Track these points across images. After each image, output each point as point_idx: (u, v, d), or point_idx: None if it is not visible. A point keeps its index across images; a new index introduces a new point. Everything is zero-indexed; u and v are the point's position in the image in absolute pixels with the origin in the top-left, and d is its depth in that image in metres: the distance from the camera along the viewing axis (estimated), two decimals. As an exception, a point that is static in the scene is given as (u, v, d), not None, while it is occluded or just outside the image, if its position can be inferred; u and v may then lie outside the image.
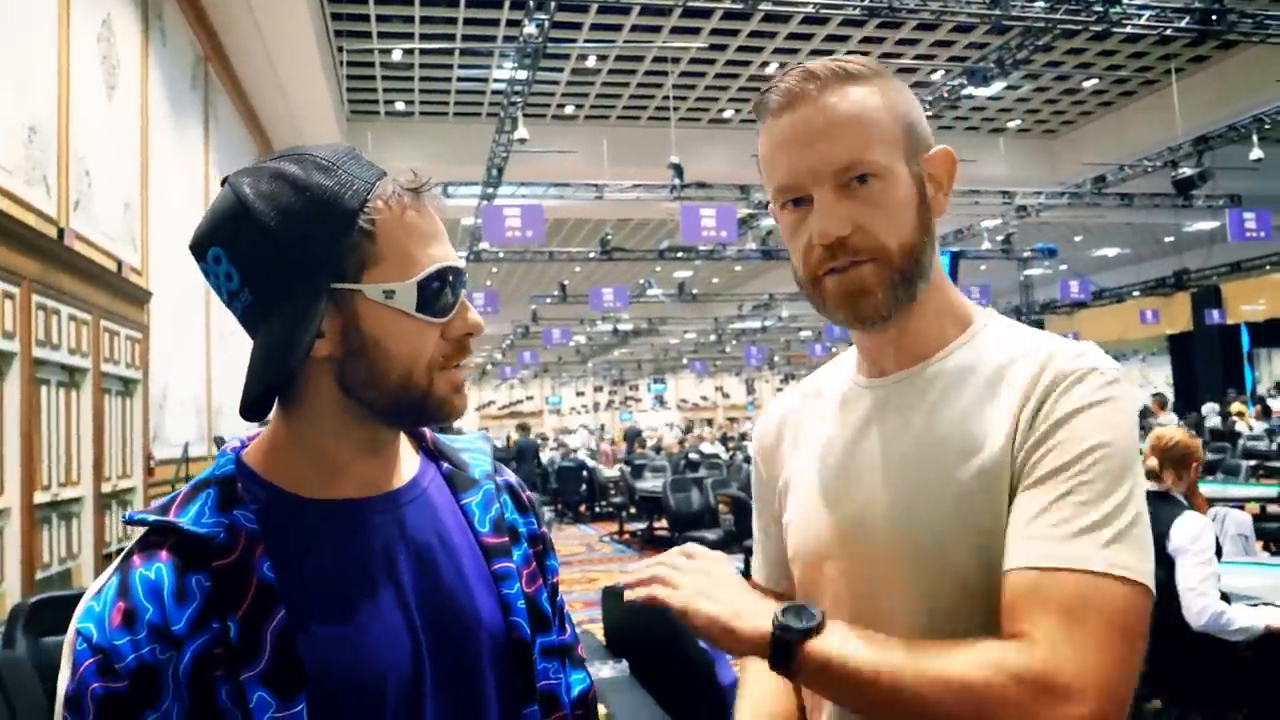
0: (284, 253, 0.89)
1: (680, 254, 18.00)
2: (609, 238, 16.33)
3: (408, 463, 1.04)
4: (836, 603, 1.10)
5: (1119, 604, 0.88)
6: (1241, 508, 5.94)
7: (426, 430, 1.09)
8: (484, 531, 1.04)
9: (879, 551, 1.06)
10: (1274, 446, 13.03)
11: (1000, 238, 17.44)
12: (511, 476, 1.17)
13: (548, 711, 1.04)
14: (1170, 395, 24.22)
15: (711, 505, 9.54)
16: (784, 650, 0.92)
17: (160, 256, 6.50)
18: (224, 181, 0.93)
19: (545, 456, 19.25)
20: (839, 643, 0.91)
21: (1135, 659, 0.88)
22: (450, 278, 0.93)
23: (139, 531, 0.92)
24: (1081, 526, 0.91)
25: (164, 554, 0.87)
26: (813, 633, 0.92)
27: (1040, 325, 24.60)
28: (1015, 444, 0.98)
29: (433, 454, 1.09)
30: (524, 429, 18.90)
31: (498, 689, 0.99)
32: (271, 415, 0.99)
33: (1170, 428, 3.90)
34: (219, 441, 8.15)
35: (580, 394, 46.46)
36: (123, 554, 0.90)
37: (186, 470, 6.91)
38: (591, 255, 17.46)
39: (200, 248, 0.92)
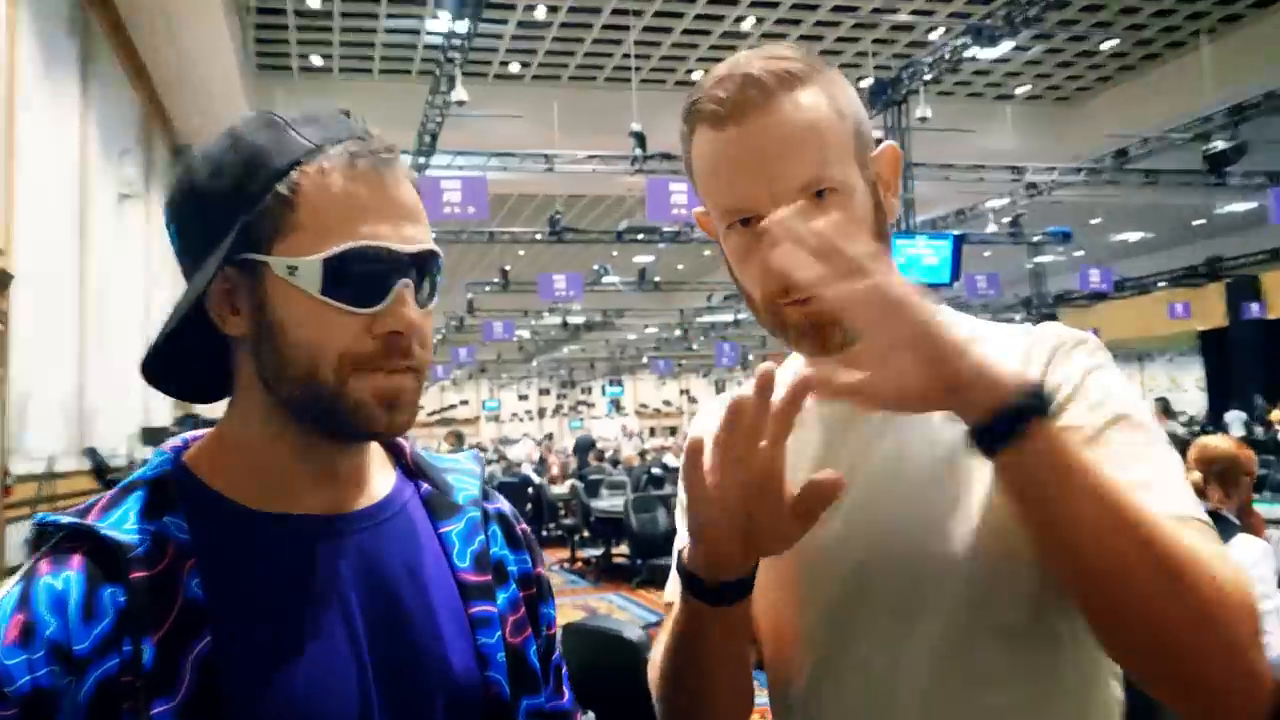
0: (206, 214, 0.91)
1: (641, 236, 18.00)
2: (559, 216, 16.30)
3: (380, 480, 1.04)
4: (819, 647, 1.12)
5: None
6: None
7: (405, 443, 1.09)
8: (463, 567, 1.03)
9: (880, 595, 1.07)
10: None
11: (1008, 220, 17.64)
12: (505, 505, 1.16)
13: None
14: (1204, 400, 24.55)
15: (679, 527, 9.53)
16: (1031, 410, 0.84)
17: (26, 235, 6.36)
18: None
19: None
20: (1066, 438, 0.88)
21: None
22: (381, 261, 0.90)
23: None
24: (1168, 485, 0.95)
25: (76, 561, 0.86)
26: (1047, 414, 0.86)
27: (1053, 319, 24.91)
28: None
29: (411, 471, 1.09)
30: (458, 438, 18.78)
31: None
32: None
33: (1216, 437, 3.90)
34: (91, 454, 8.02)
35: (523, 398, 46.47)
36: (31, 560, 0.88)
37: (52, 489, 6.77)
38: (539, 236, 17.44)
39: (165, 214, 0.97)
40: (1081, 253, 23.44)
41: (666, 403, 47.59)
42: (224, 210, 0.90)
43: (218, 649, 0.85)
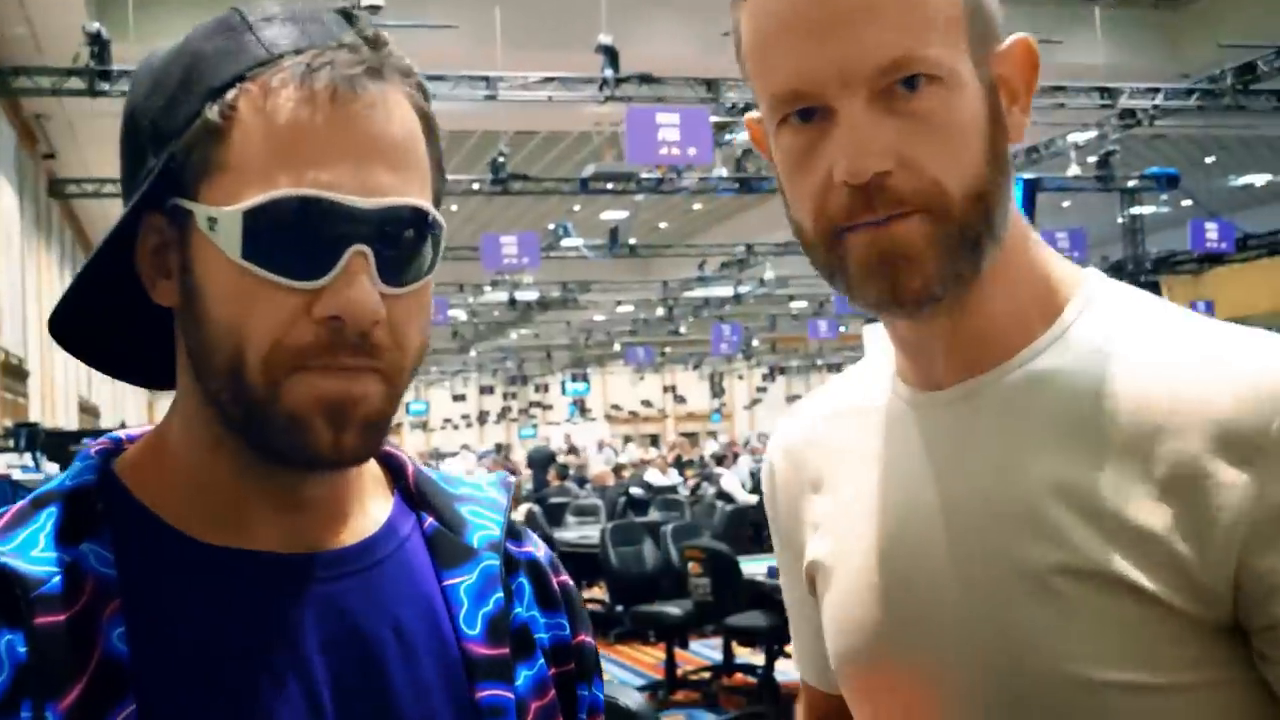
0: (135, 142, 0.90)
1: (611, 185, 17.97)
2: (504, 159, 16.29)
3: (372, 509, 1.00)
4: None
5: None
6: None
7: (407, 460, 1.06)
8: (471, 635, 0.98)
9: (946, 667, 1.07)
10: None
11: (1095, 159, 17.69)
12: (540, 549, 1.13)
13: None
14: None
15: (675, 564, 9.53)
16: None
17: None
18: None
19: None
20: None
21: None
22: (326, 218, 0.84)
23: None
24: None
25: None
26: None
27: (1155, 288, 24.87)
28: (1218, 543, 0.94)
29: (414, 500, 1.05)
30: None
31: None
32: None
33: None
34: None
35: (459, 398, 46.39)
36: None
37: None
38: (478, 185, 17.41)
39: None
40: (1191, 202, 23.53)
41: (646, 403, 47.65)
42: (152, 138, 0.88)
43: None
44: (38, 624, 0.81)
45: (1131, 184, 19.10)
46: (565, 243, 21.92)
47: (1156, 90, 15.53)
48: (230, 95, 0.85)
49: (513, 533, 1.09)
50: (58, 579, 0.83)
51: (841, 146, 0.97)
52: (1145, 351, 1.02)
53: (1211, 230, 19.75)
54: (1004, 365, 1.06)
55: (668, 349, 42.02)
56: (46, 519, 0.87)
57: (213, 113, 0.84)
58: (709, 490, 17.11)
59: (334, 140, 0.85)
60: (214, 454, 0.91)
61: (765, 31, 1.02)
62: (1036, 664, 0.99)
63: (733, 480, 17.29)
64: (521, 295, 27.91)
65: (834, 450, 1.22)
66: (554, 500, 15.74)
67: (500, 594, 1.02)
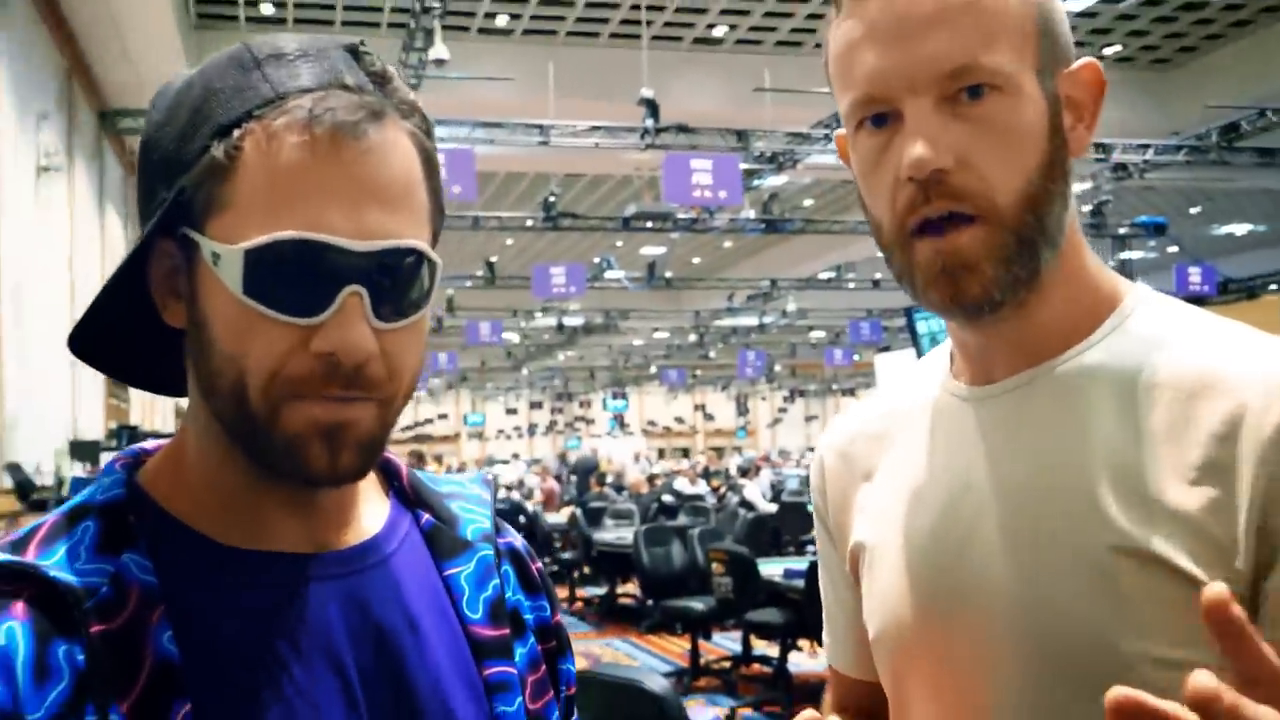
0: (148, 173, 0.88)
1: (651, 223, 18.00)
2: (555, 199, 16.34)
3: (370, 511, 0.99)
4: (933, 712, 1.11)
5: None
6: None
7: (400, 464, 1.05)
8: (475, 618, 0.99)
9: (991, 642, 1.05)
10: None
11: (1089, 207, 17.62)
12: (517, 539, 1.13)
13: None
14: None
15: (700, 564, 9.53)
16: None
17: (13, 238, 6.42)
18: None
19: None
20: None
21: None
22: (322, 259, 0.83)
23: None
24: None
25: (19, 609, 0.80)
26: None
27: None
28: (1243, 526, 0.94)
29: (409, 499, 1.04)
30: (418, 458, 18.89)
31: None
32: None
33: None
34: (14, 470, 8.05)
35: (512, 411, 46.50)
36: None
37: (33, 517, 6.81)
38: (530, 222, 17.47)
39: None
40: (1178, 248, 23.38)
41: (679, 419, 47.65)
42: (164, 169, 0.86)
43: (199, 716, 0.81)
44: (93, 633, 0.80)
45: (1123, 231, 19.02)
46: (608, 274, 21.95)
47: (1147, 146, 15.47)
48: (236, 135, 0.83)
49: (496, 526, 1.08)
50: (106, 589, 0.82)
51: (908, 144, 0.98)
52: (1187, 347, 1.01)
53: (1195, 274, 19.66)
54: (1057, 358, 1.06)
55: (698, 371, 42.07)
56: (83, 532, 0.85)
57: (219, 151, 0.83)
58: (733, 499, 17.06)
59: (332, 184, 0.83)
60: (228, 464, 0.90)
61: (846, 44, 1.02)
62: (1083, 638, 0.98)
63: (755, 491, 17.30)
64: (568, 321, 27.98)
65: (886, 443, 1.21)
66: (594, 505, 15.73)
67: (497, 580, 1.02)
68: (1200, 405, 0.97)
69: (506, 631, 1.00)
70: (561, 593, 13.57)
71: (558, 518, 15.28)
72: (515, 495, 18.75)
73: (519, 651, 1.00)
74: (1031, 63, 1.00)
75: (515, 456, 36.96)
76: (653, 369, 40.63)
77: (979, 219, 0.98)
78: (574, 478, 23.84)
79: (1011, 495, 1.05)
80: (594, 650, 10.43)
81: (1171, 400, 0.99)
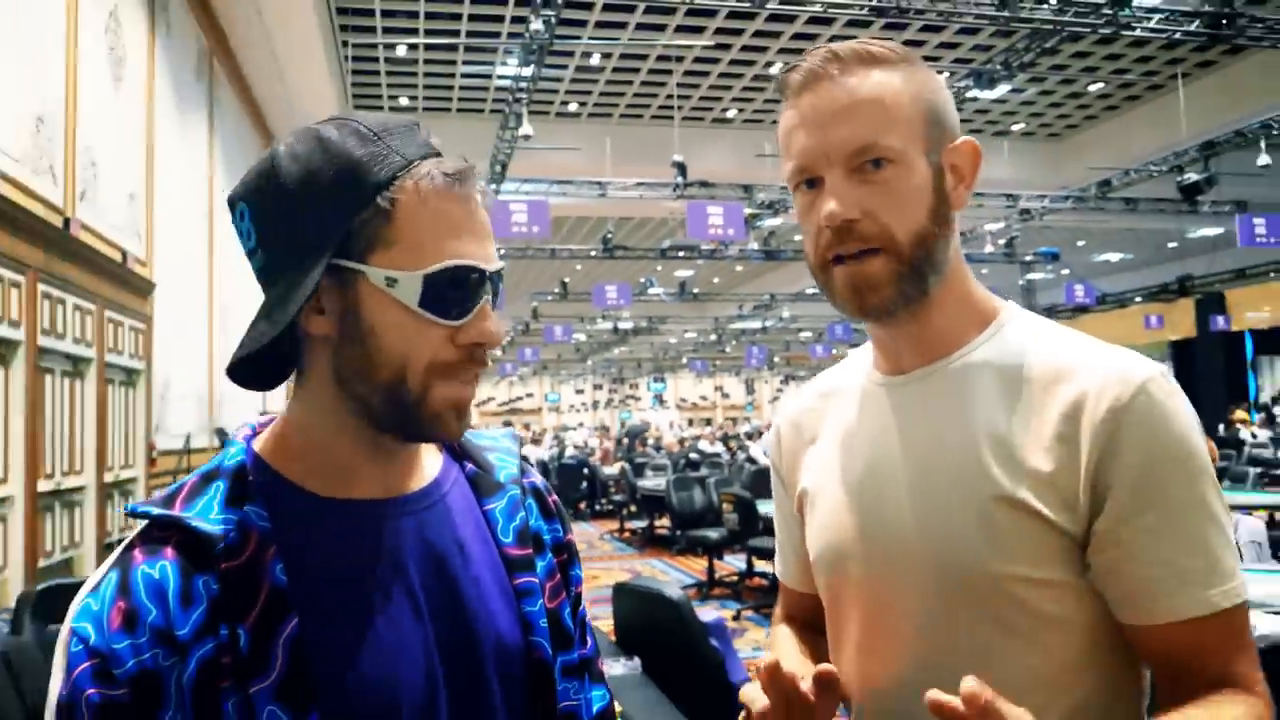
0: (297, 217, 0.84)
1: (682, 253, 17.98)
2: (611, 236, 16.34)
3: (429, 463, 0.98)
4: (857, 615, 1.11)
5: (1246, 626, 0.95)
6: (1251, 514, 5.95)
7: None
8: (507, 542, 0.98)
9: (901, 563, 1.05)
10: (1279, 455, 13.05)
11: (1003, 241, 17.43)
12: (538, 478, 1.10)
13: None
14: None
15: (714, 504, 9.54)
16: None
17: (164, 248, 6.52)
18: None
19: (536, 455, 19.44)
20: None
21: None
22: (471, 278, 0.85)
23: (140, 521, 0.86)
24: (1210, 565, 0.93)
25: (169, 551, 0.81)
26: None
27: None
28: (1083, 484, 0.95)
29: (456, 453, 1.03)
30: (508, 426, 19.06)
31: (514, 710, 0.93)
32: (225, 387, 0.93)
33: None
34: (220, 433, 8.16)
35: (579, 392, 46.42)
36: (121, 547, 0.84)
37: (188, 461, 6.92)
38: (593, 253, 17.45)
39: (232, 203, 0.89)
40: (1068, 271, 23.08)
41: (703, 397, 47.39)
42: (318, 215, 0.83)
43: (304, 630, 0.81)
44: (224, 568, 0.81)
45: (1028, 258, 18.78)
46: (650, 291, 21.84)
47: (1044, 196, 15.26)
48: (392, 190, 0.83)
49: (522, 469, 1.07)
50: (233, 534, 0.82)
51: (825, 202, 1.00)
52: (1046, 349, 1.02)
53: (1079, 290, 19.41)
54: (950, 356, 1.06)
55: (717, 362, 41.82)
56: (216, 490, 0.85)
57: (384, 202, 0.83)
58: (741, 456, 17.00)
59: (465, 224, 0.86)
60: (338, 434, 0.89)
61: (787, 127, 1.04)
62: (967, 563, 0.99)
63: (758, 449, 17.25)
64: (621, 325, 27.95)
65: (825, 416, 1.20)
66: (639, 460, 15.71)
67: (523, 511, 1.02)
68: (1055, 391, 0.99)
69: (529, 550, 0.99)
70: (612, 525, 13.60)
71: (612, 470, 15.27)
72: (569, 452, 18.77)
73: (539, 565, 1.00)
74: (921, 142, 1.01)
75: (580, 425, 36.90)
76: (684, 360, 40.50)
77: (882, 251, 1.00)
78: (626, 440, 23.82)
79: (915, 458, 1.05)
80: (636, 567, 10.41)
81: (1034, 388, 1.00)
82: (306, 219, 0.84)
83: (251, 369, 0.90)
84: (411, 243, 0.83)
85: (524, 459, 1.09)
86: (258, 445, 0.92)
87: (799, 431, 1.24)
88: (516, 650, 0.94)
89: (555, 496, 1.11)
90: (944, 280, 1.04)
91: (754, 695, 0.95)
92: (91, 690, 0.76)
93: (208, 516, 0.83)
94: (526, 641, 0.95)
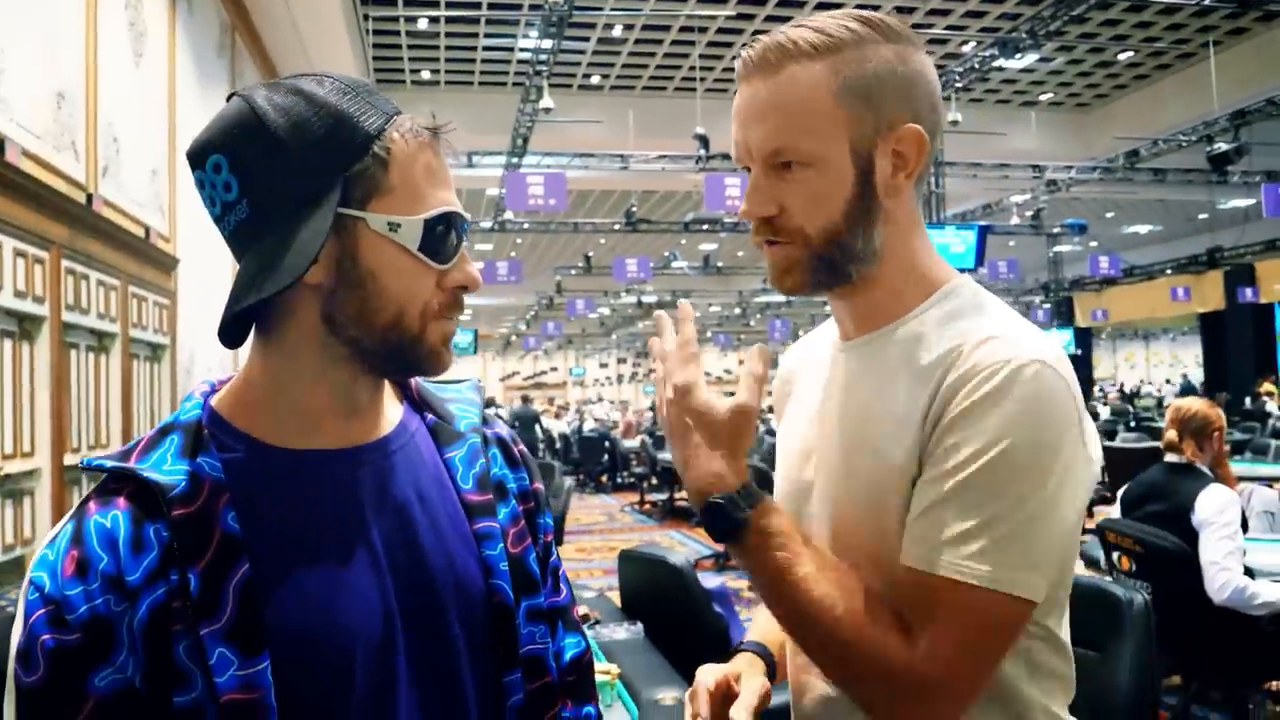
0: (293, 167, 0.84)
1: (705, 226, 17.95)
2: (634, 209, 16.31)
3: (390, 413, 0.99)
4: None
5: (981, 612, 0.93)
6: (1271, 486, 5.90)
7: (412, 379, 1.05)
8: (467, 488, 0.99)
9: (819, 520, 1.11)
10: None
11: (1030, 213, 17.29)
12: (504, 429, 1.11)
13: (533, 676, 0.99)
14: (1200, 374, 24.05)
15: (734, 478, 9.57)
16: (727, 514, 0.98)
17: (187, 224, 6.56)
18: (231, 96, 0.89)
19: (557, 427, 19.58)
20: (771, 527, 0.98)
21: (990, 662, 0.95)
22: (456, 225, 0.90)
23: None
24: (953, 534, 0.93)
25: (121, 501, 0.83)
26: (743, 513, 0.98)
27: (1069, 302, 24.13)
28: (921, 442, 0.99)
29: (417, 404, 1.04)
30: (526, 400, 19.49)
31: (476, 654, 0.94)
32: (246, 358, 0.95)
33: (1189, 398, 3.88)
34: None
35: (604, 365, 46.51)
36: (79, 501, 0.85)
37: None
38: (616, 227, 17.46)
39: (200, 154, 0.87)
40: (1095, 243, 22.88)
41: (727, 371, 47.29)
42: (315, 165, 0.85)
43: (256, 576, 0.82)
44: (174, 515, 0.82)
45: (1055, 230, 18.61)
46: (674, 265, 21.90)
47: (1071, 167, 15.14)
48: (384, 140, 0.87)
49: (484, 420, 1.08)
50: (184, 483, 0.84)
51: (745, 197, 1.06)
52: (955, 327, 1.03)
53: (1105, 262, 19.25)
54: (886, 327, 1.08)
55: (742, 336, 41.78)
56: (170, 443, 0.87)
57: (380, 150, 0.86)
58: (760, 429, 16.98)
59: (444, 175, 0.91)
60: (315, 382, 0.91)
61: (732, 113, 1.07)
62: (864, 541, 1.04)
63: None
64: (645, 299, 27.92)
65: (802, 371, 1.25)
66: (660, 433, 15.71)
67: (484, 459, 1.03)
68: (939, 366, 1.00)
69: (490, 496, 1.01)
70: (632, 497, 13.62)
71: (633, 443, 15.31)
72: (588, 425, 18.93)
73: (501, 511, 1.01)
74: (842, 137, 1.02)
75: (600, 399, 36.97)
76: (708, 334, 40.52)
77: (790, 243, 1.05)
78: (651, 413, 23.87)
79: (848, 415, 1.09)
80: (655, 538, 10.43)
81: (928, 363, 1.01)
82: (300, 168, 0.85)
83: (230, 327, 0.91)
84: (407, 191, 0.87)
85: (489, 408, 1.12)
86: (215, 401, 0.94)
87: (786, 384, 1.29)
88: (477, 593, 0.95)
89: (522, 447, 1.12)
90: (881, 260, 1.06)
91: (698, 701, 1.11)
92: (46, 635, 0.78)
93: (161, 468, 0.85)
94: (487, 585, 0.96)
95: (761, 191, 1.04)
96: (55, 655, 0.78)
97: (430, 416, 1.04)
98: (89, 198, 4.66)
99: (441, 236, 0.89)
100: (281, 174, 0.85)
